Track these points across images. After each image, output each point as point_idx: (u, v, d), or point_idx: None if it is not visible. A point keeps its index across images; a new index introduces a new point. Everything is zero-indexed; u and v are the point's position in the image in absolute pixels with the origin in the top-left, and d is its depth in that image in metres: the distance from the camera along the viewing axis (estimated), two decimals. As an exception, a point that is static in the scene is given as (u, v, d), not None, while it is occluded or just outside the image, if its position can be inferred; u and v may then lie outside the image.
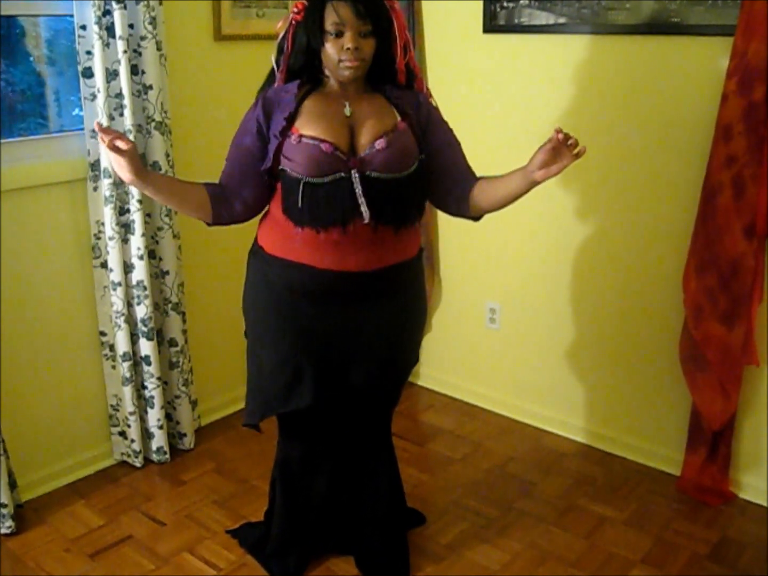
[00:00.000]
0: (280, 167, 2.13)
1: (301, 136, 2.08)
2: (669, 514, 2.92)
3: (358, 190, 2.07)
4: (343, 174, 2.07)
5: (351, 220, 2.09)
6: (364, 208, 2.07)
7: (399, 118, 2.16)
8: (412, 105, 2.20)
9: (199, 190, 2.16)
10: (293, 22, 2.14)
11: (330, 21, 2.04)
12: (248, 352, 2.40)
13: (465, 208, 2.22)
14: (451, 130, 2.28)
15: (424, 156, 2.20)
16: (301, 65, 2.15)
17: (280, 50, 2.19)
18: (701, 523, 2.87)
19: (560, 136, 1.91)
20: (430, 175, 2.23)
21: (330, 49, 2.06)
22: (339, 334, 2.26)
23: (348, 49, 2.04)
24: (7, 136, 2.82)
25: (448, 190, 2.25)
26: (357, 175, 2.07)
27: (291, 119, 2.11)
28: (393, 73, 2.19)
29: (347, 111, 2.13)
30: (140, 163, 1.99)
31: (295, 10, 2.13)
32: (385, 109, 2.17)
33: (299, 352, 2.26)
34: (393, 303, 2.28)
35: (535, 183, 2.02)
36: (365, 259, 2.17)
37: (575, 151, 1.95)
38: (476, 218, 2.27)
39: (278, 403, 2.32)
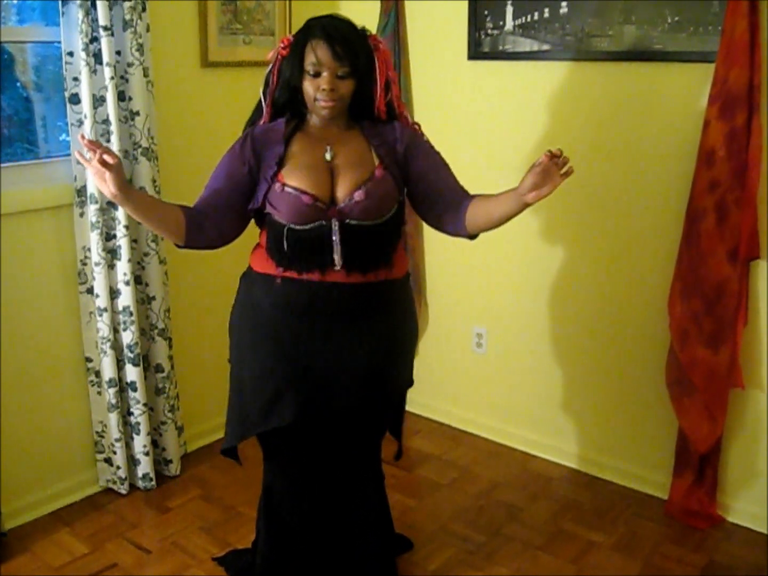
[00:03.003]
0: (266, 211, 2.20)
1: (284, 185, 2.15)
2: (657, 538, 2.92)
3: (335, 238, 2.14)
4: (323, 222, 2.14)
5: (329, 266, 2.16)
6: (336, 257, 2.15)
7: (377, 163, 2.20)
8: (389, 141, 2.24)
9: (177, 212, 2.17)
10: (279, 56, 2.19)
11: (308, 61, 2.10)
12: (231, 376, 2.39)
13: (461, 228, 2.24)
14: (437, 153, 2.31)
15: (402, 198, 2.26)
16: (285, 99, 2.21)
17: (266, 83, 2.24)
18: (689, 547, 2.87)
19: (546, 158, 1.93)
20: (421, 198, 2.28)
21: (308, 87, 2.12)
22: (322, 352, 2.25)
23: (323, 89, 2.09)
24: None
25: (442, 211, 2.27)
26: (336, 224, 2.14)
27: (280, 163, 2.17)
28: (372, 111, 2.24)
29: (328, 156, 2.18)
30: (124, 178, 1.99)
31: (282, 45, 2.19)
32: (364, 153, 2.21)
33: (282, 369, 2.26)
34: (380, 323, 2.29)
35: (527, 205, 2.03)
36: (349, 275, 2.19)
37: (563, 170, 1.96)
38: (472, 237, 2.27)
39: (258, 421, 2.31)
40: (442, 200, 2.26)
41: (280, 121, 2.23)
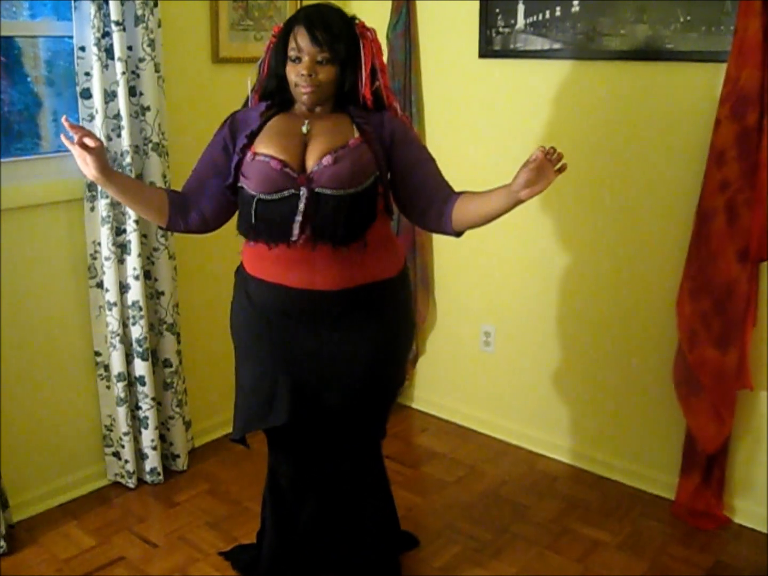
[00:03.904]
0: (239, 184, 2.19)
1: (255, 153, 2.15)
2: (663, 539, 2.91)
3: (301, 206, 2.10)
4: (293, 191, 2.11)
5: (293, 235, 2.12)
6: (296, 227, 2.10)
7: (356, 135, 2.17)
8: (375, 122, 2.21)
9: (160, 194, 2.22)
10: (270, 45, 2.21)
11: (290, 46, 2.11)
12: (235, 369, 2.42)
13: (446, 224, 2.18)
14: (424, 148, 2.29)
15: (382, 173, 2.20)
16: (273, 87, 2.22)
17: (258, 72, 2.26)
18: (695, 548, 2.86)
19: (541, 153, 1.90)
20: (404, 192, 2.24)
21: (290, 73, 2.13)
22: (314, 353, 2.26)
23: (302, 74, 2.09)
24: (4, 156, 2.83)
25: (425, 207, 2.22)
26: (306, 192, 2.10)
27: (252, 137, 2.18)
28: (357, 99, 2.21)
29: (304, 128, 2.18)
30: (106, 161, 2.03)
31: (273, 33, 2.21)
32: (344, 127, 2.19)
33: (275, 370, 2.28)
34: (370, 324, 2.27)
35: (520, 201, 1.99)
36: (332, 278, 2.17)
37: (557, 166, 1.94)
38: (458, 234, 2.22)
39: (257, 420, 2.34)
40: (427, 195, 2.21)
41: (262, 104, 2.24)
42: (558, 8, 3.07)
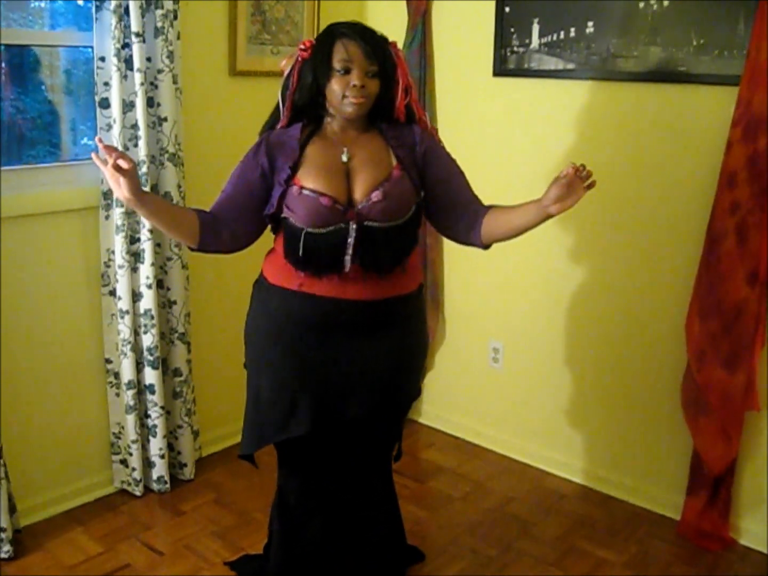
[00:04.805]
0: (283, 215, 2.20)
1: (302, 188, 2.15)
2: (669, 559, 2.91)
3: (350, 240, 2.14)
4: (342, 225, 2.14)
5: (344, 269, 2.16)
6: (348, 259, 2.14)
7: (395, 163, 2.21)
8: (409, 143, 2.25)
9: (191, 216, 2.19)
10: (299, 59, 2.19)
11: (338, 58, 2.11)
12: (247, 383, 2.40)
13: (475, 237, 2.25)
14: (454, 161, 2.32)
15: (422, 194, 2.25)
16: (305, 102, 2.21)
17: (285, 87, 2.24)
18: (701, 569, 2.86)
19: (572, 170, 1.96)
20: (436, 205, 2.28)
21: (335, 85, 2.12)
22: (338, 364, 2.27)
23: (354, 86, 2.10)
24: (16, 163, 2.87)
25: (456, 220, 2.28)
26: (354, 226, 2.14)
27: (295, 167, 2.17)
28: (392, 113, 2.25)
29: (345, 157, 2.19)
30: (139, 182, 2.02)
31: (302, 47, 2.19)
32: (382, 154, 2.22)
33: (298, 380, 2.27)
34: (392, 336, 2.30)
35: (550, 216, 2.06)
36: (364, 290, 2.20)
37: (587, 183, 2.00)
38: (486, 247, 2.28)
39: (274, 432, 2.33)
40: (457, 208, 2.27)
41: (297, 126, 2.22)
42: (572, 29, 3.10)
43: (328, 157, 2.19)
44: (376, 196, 2.15)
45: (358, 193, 2.16)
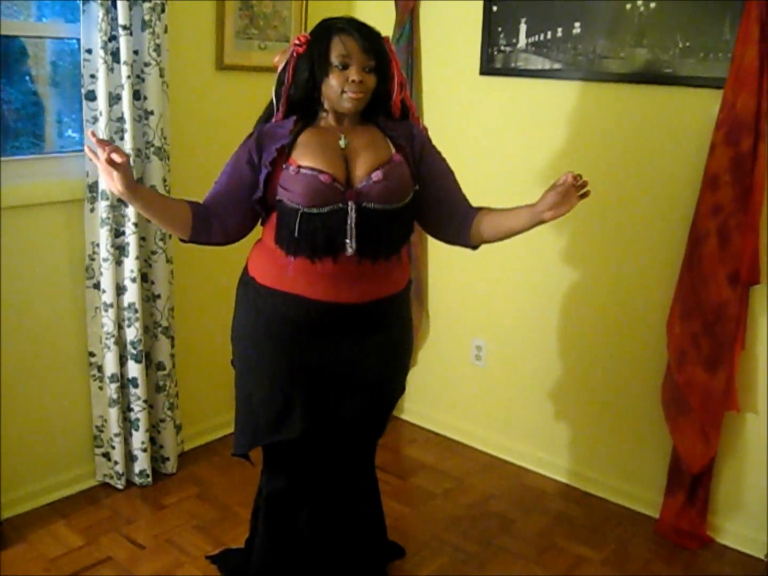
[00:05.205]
0: (277, 198, 2.16)
1: (299, 167, 2.12)
2: (647, 556, 2.94)
3: (350, 221, 2.11)
4: (340, 205, 2.11)
5: (341, 252, 2.13)
6: (348, 241, 2.12)
7: (393, 150, 2.21)
8: (406, 136, 2.25)
9: (183, 208, 2.18)
10: (294, 54, 2.18)
11: (336, 53, 2.10)
12: (236, 382, 2.39)
13: (464, 237, 2.26)
14: (444, 160, 2.33)
15: (417, 187, 2.24)
16: (300, 97, 2.19)
17: (280, 82, 2.23)
18: (678, 567, 2.89)
19: (571, 178, 1.99)
20: (426, 204, 2.28)
21: (334, 80, 2.11)
22: (329, 364, 2.27)
23: (353, 81, 2.10)
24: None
25: (446, 219, 2.29)
26: (353, 206, 2.12)
27: (284, 150, 2.16)
28: (388, 108, 2.26)
29: (342, 143, 2.18)
30: (132, 176, 2.01)
31: (297, 42, 2.17)
32: (380, 141, 2.22)
33: (290, 383, 2.27)
34: (383, 335, 2.31)
35: (542, 222, 2.08)
36: (357, 291, 2.20)
37: (581, 192, 2.02)
38: (475, 247, 2.30)
39: (267, 433, 2.32)
40: (448, 208, 2.28)
41: (291, 119, 2.21)
42: (560, 29, 3.11)
43: (324, 141, 2.17)
44: (376, 175, 2.13)
45: (360, 171, 2.14)
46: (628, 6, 2.93)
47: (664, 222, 3.01)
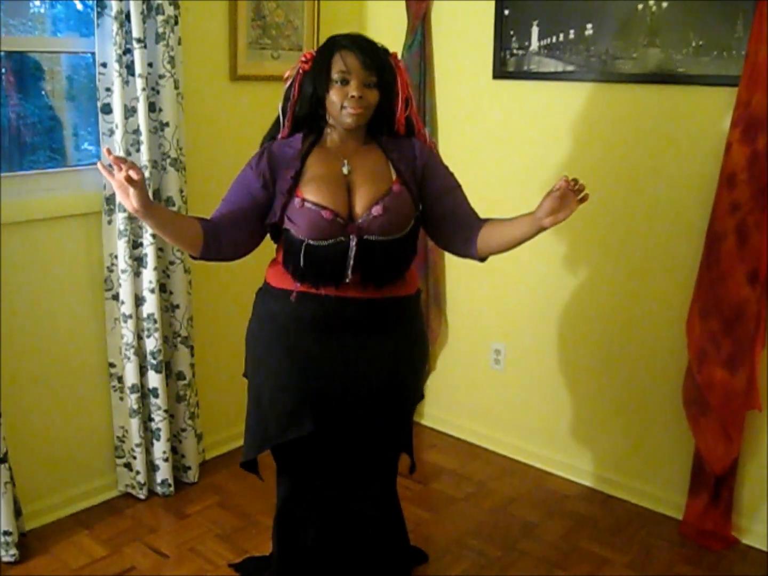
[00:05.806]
0: (284, 226, 2.22)
1: (303, 200, 2.18)
2: (671, 558, 2.92)
3: (351, 253, 2.17)
4: (342, 238, 2.17)
5: (344, 280, 2.19)
6: (349, 272, 2.18)
7: (394, 177, 2.24)
8: (407, 157, 2.27)
9: (195, 226, 2.19)
10: (300, 71, 2.23)
11: (336, 69, 2.14)
12: (248, 390, 2.40)
13: (472, 250, 2.27)
14: (451, 174, 2.34)
15: (419, 211, 2.28)
16: (306, 113, 2.24)
17: (286, 98, 2.27)
18: (703, 568, 2.87)
19: (565, 183, 1.97)
20: (432, 220, 2.31)
21: (334, 96, 2.15)
22: (338, 363, 2.28)
23: (352, 96, 2.13)
24: (17, 169, 2.89)
25: (453, 233, 2.30)
26: (355, 239, 2.17)
27: (297, 177, 2.20)
28: (393, 124, 2.28)
29: (345, 170, 2.22)
30: (147, 193, 2.02)
31: (303, 59, 2.23)
32: (382, 167, 2.25)
33: (298, 380, 2.28)
34: (393, 337, 2.31)
35: (543, 229, 2.07)
36: (363, 293, 2.23)
37: (580, 196, 2.01)
38: (482, 259, 2.31)
39: (277, 432, 2.32)
40: (454, 222, 2.29)
41: (298, 136, 2.25)
42: (572, 31, 3.11)
43: (330, 169, 2.21)
44: (376, 210, 2.17)
45: (359, 207, 2.19)
46: (640, 6, 2.93)
47: (682, 222, 3.00)
